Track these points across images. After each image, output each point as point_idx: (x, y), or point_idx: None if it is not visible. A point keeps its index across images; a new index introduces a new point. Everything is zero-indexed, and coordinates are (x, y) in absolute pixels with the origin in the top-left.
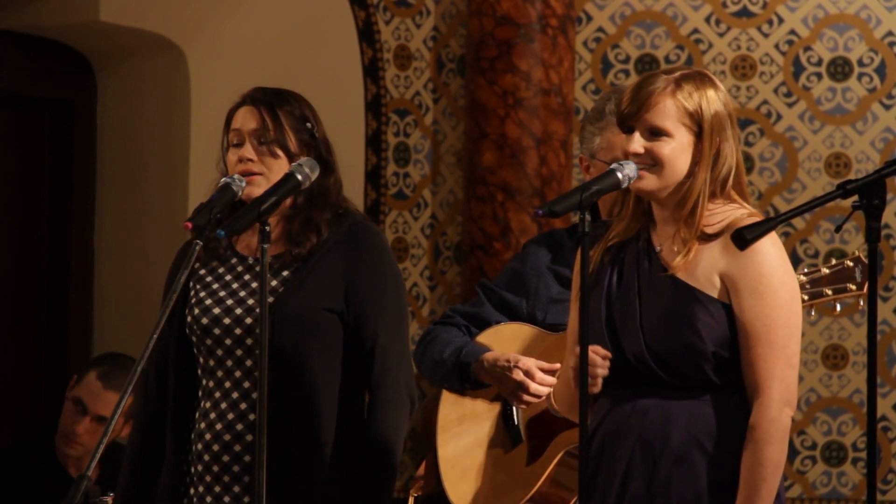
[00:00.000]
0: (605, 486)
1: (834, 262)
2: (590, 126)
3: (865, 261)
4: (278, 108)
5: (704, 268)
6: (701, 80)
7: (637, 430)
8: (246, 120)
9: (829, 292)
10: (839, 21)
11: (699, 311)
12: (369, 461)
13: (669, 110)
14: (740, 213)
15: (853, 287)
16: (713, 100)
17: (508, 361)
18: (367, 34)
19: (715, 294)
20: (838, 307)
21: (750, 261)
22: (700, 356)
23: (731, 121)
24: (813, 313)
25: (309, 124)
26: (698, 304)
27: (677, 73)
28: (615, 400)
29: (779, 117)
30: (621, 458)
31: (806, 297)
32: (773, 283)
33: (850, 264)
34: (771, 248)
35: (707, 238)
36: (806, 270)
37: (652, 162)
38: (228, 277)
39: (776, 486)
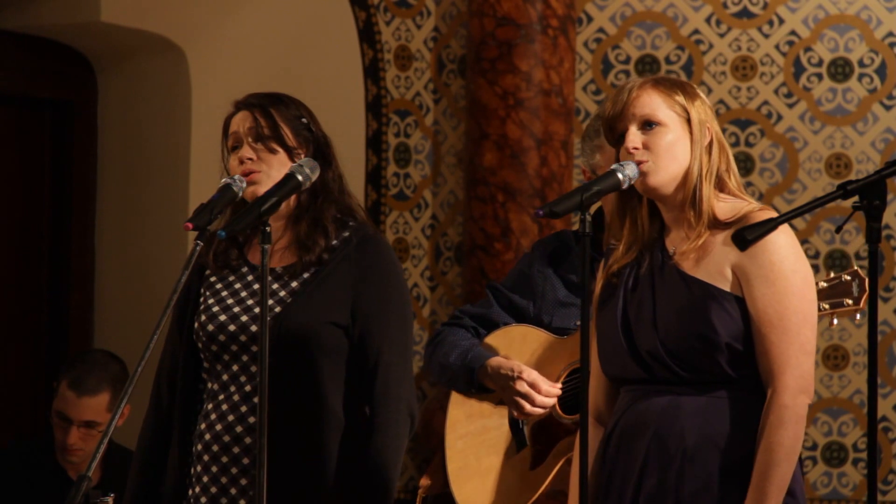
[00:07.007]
0: (622, 483)
1: (832, 275)
2: (589, 142)
3: (863, 275)
4: (270, 106)
5: (716, 262)
6: (673, 79)
7: (652, 428)
8: (241, 122)
9: (827, 307)
10: (840, 22)
11: (713, 305)
12: (368, 479)
13: (656, 100)
14: (752, 206)
15: (850, 302)
16: (692, 92)
17: (512, 371)
18: (368, 35)
19: (728, 288)
20: (835, 321)
21: (760, 249)
22: (715, 349)
23: (713, 112)
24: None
25: (304, 119)
26: (712, 298)
27: (650, 76)
28: (631, 398)
29: (779, 118)
30: (637, 455)
31: None
32: (784, 270)
33: (848, 278)
34: (782, 236)
35: (720, 226)
36: None
37: (651, 155)
38: (238, 286)
39: (789, 473)
